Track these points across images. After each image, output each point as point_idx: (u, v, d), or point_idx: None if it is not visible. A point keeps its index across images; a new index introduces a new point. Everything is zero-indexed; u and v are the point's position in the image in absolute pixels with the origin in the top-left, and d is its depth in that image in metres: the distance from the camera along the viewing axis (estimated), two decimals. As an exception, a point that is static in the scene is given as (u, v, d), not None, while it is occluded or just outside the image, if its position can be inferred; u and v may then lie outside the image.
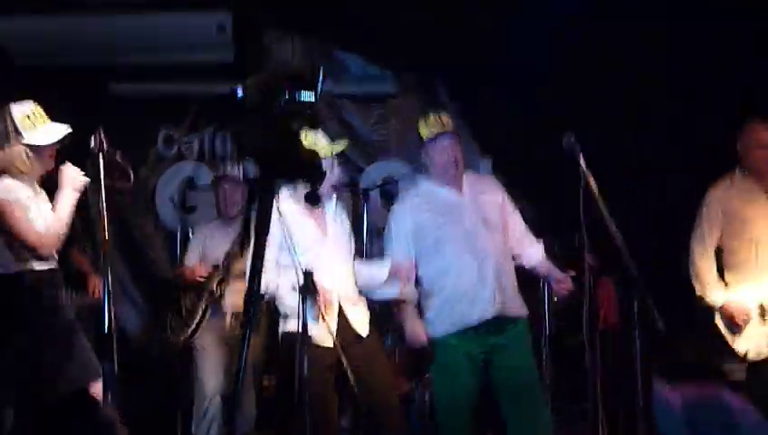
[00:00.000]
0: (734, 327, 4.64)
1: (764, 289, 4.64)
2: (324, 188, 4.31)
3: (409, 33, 6.05)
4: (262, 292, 4.05)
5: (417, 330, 4.39)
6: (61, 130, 3.91)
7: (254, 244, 2.53)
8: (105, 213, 3.86)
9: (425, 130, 4.48)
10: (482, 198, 4.53)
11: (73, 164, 4.01)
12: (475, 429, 4.39)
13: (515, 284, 4.49)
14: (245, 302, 2.45)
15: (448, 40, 5.70)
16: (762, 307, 4.62)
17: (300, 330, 3.78)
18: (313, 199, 4.21)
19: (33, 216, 3.86)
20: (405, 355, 5.54)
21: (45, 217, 3.91)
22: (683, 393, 1.82)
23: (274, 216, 4.15)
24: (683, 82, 5.45)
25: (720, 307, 4.69)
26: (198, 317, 5.33)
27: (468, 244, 4.37)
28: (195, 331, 5.32)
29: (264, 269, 3.98)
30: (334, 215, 4.44)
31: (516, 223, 4.63)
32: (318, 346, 4.07)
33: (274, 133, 2.23)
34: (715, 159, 4.97)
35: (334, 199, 4.51)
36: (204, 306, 5.34)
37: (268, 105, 2.21)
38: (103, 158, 3.85)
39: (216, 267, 5.41)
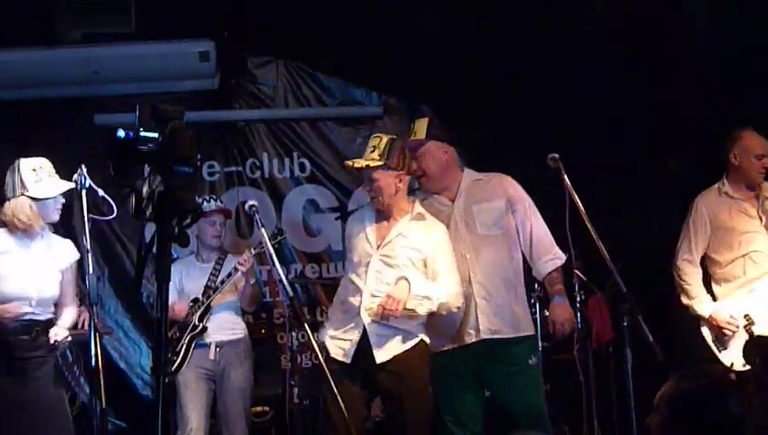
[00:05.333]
0: (721, 338, 4.56)
1: (752, 301, 4.57)
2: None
3: (393, 59, 6.07)
4: None
5: None
6: (63, 186, 4.01)
7: (158, 291, 2.31)
8: (89, 247, 3.88)
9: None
10: (479, 207, 4.25)
11: None
12: None
13: (517, 301, 4.21)
14: (155, 349, 2.31)
15: (432, 68, 5.72)
16: (747, 319, 4.54)
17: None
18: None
19: None
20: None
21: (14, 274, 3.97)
22: None
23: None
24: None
25: (707, 318, 4.61)
26: (183, 351, 5.26)
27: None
28: (180, 365, 5.25)
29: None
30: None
31: (526, 230, 4.25)
32: None
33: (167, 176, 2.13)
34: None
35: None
36: (187, 340, 5.28)
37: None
38: (87, 194, 3.88)
39: (195, 301, 5.35)
